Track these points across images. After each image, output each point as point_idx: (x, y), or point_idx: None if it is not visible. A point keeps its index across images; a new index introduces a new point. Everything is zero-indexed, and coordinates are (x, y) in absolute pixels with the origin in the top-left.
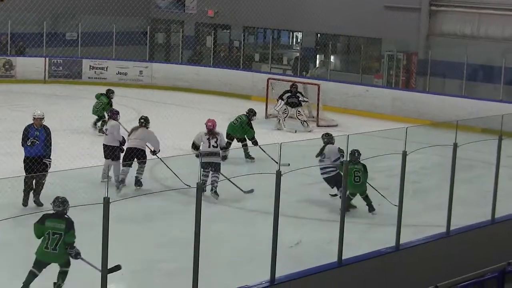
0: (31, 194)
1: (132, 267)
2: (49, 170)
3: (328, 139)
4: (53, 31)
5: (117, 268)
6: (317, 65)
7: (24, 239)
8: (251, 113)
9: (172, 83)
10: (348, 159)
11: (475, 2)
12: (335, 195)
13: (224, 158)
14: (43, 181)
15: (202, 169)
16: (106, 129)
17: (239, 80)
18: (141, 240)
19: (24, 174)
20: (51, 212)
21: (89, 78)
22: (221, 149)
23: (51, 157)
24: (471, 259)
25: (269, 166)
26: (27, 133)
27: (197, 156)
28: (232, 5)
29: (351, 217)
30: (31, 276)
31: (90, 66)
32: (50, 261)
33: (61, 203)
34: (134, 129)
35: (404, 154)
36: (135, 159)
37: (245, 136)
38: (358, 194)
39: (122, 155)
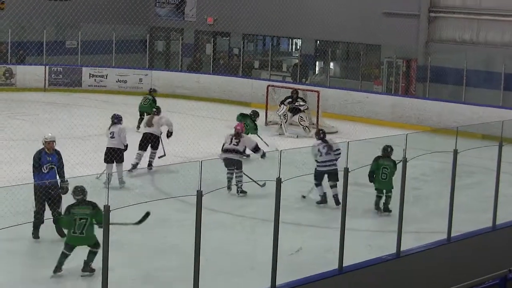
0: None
1: (131, 274)
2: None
3: (324, 134)
4: (53, 39)
5: (147, 215)
6: (317, 72)
7: (24, 247)
8: (255, 114)
9: (171, 90)
10: (381, 153)
11: (474, 8)
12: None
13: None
14: (59, 209)
15: (226, 168)
16: (112, 133)
17: (239, 87)
18: (141, 247)
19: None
20: (73, 201)
21: (89, 86)
22: (255, 151)
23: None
24: (472, 265)
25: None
26: (39, 160)
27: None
28: (232, 13)
29: (351, 224)
30: (63, 257)
31: (90, 74)
32: (79, 244)
33: (81, 191)
34: (149, 118)
35: (405, 161)
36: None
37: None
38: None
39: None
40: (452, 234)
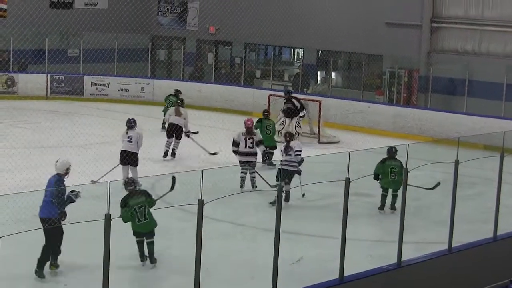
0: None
1: (132, 284)
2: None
3: (290, 137)
4: (55, 47)
5: (174, 179)
6: (318, 82)
7: (24, 255)
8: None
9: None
10: (386, 155)
11: (476, 18)
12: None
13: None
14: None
15: (240, 167)
16: (130, 137)
17: (241, 96)
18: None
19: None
20: (126, 193)
21: (90, 94)
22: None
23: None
24: (473, 276)
25: (272, 183)
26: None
27: (234, 153)
28: (234, 22)
29: (352, 234)
30: (141, 244)
31: (91, 82)
32: (146, 230)
33: (131, 183)
34: (177, 109)
35: (406, 171)
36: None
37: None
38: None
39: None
40: (453, 245)
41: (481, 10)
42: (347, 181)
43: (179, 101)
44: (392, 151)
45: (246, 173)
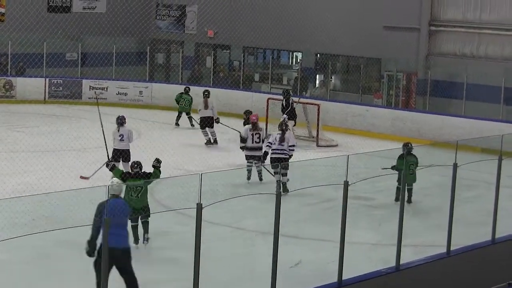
0: None
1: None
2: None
3: (286, 127)
4: (53, 51)
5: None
6: (317, 85)
7: (23, 259)
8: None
9: (172, 103)
10: (404, 151)
11: (474, 22)
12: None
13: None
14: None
15: (246, 161)
16: (122, 135)
17: (239, 100)
18: (140, 260)
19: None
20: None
21: (89, 98)
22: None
23: None
24: (472, 279)
25: (271, 186)
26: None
27: (241, 148)
28: (232, 26)
29: (351, 237)
30: (135, 229)
31: (90, 86)
32: (138, 206)
33: (136, 166)
34: (205, 101)
35: (404, 175)
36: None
37: None
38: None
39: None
40: (452, 248)
41: (479, 14)
42: (346, 184)
43: (206, 92)
44: (409, 147)
45: (252, 166)
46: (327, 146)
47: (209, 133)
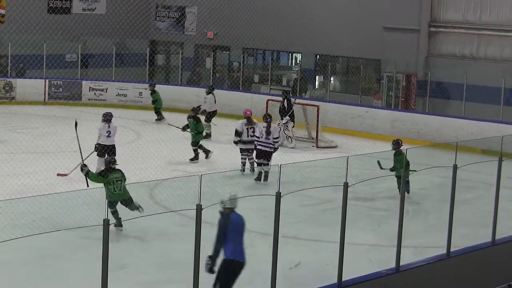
0: None
1: None
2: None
3: (270, 118)
4: (53, 53)
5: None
6: (316, 86)
7: (24, 259)
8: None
9: (171, 104)
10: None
11: (474, 23)
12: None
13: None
14: None
15: (241, 154)
16: (109, 132)
17: (239, 101)
18: (140, 261)
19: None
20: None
21: (88, 99)
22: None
23: None
24: (472, 280)
25: (270, 188)
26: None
27: (235, 143)
28: (232, 27)
29: (351, 238)
30: (115, 213)
31: (89, 87)
32: (120, 199)
33: (114, 162)
34: (209, 97)
35: (404, 176)
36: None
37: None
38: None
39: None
40: (452, 249)
41: (479, 15)
42: (346, 185)
43: (211, 88)
44: (399, 144)
45: (246, 159)
46: (327, 147)
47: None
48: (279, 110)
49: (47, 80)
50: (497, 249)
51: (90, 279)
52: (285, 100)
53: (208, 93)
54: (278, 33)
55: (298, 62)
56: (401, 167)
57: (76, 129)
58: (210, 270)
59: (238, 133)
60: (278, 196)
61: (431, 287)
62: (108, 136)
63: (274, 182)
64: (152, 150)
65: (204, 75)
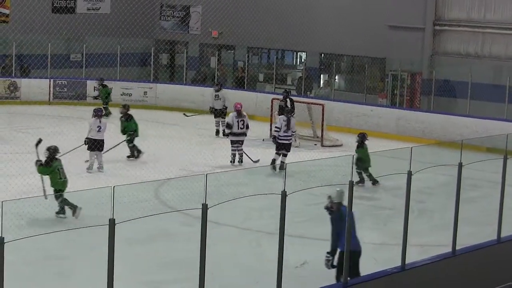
0: None
1: None
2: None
3: (291, 114)
4: (58, 52)
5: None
6: (321, 85)
7: (30, 260)
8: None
9: (176, 103)
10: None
11: (478, 21)
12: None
13: None
14: None
15: (231, 145)
16: (99, 127)
17: (243, 100)
18: (145, 261)
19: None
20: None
21: (93, 98)
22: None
23: None
24: (477, 279)
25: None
26: None
27: (226, 135)
28: (236, 26)
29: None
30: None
31: (94, 87)
32: (64, 188)
33: (57, 150)
34: (216, 93)
35: (409, 174)
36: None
37: None
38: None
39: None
40: (457, 247)
41: (483, 13)
42: (351, 184)
43: (219, 84)
44: (365, 137)
45: (236, 150)
46: (332, 146)
47: (220, 123)
48: (279, 109)
49: (51, 80)
50: (503, 247)
51: (95, 279)
52: (288, 100)
53: (218, 90)
54: (283, 32)
55: (302, 61)
56: (366, 160)
57: (37, 146)
58: (332, 266)
59: (229, 126)
60: (284, 195)
61: (436, 286)
62: (99, 131)
63: (280, 181)
64: (157, 149)
65: (209, 74)
